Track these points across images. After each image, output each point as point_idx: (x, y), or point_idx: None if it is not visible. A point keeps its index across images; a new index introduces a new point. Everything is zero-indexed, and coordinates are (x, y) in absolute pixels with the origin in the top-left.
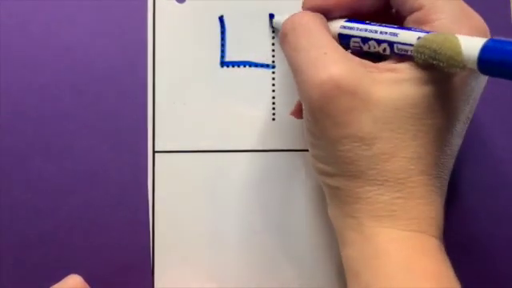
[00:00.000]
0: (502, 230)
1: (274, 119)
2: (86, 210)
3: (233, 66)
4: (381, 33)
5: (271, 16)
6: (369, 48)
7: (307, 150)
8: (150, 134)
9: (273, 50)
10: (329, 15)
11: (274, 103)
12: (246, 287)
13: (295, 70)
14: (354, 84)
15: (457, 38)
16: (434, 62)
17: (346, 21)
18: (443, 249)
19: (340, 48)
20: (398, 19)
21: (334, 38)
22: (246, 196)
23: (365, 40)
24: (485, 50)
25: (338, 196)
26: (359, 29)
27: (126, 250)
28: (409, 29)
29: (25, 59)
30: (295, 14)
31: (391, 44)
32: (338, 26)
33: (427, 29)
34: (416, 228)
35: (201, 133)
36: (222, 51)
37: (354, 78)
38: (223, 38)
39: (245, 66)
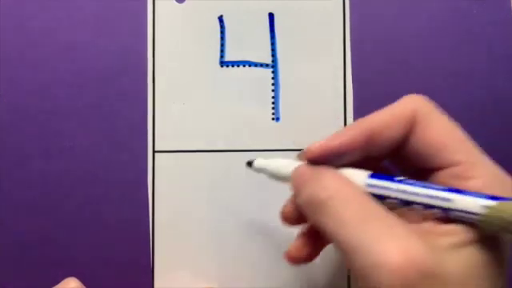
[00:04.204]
0: None
1: (273, 119)
2: (86, 210)
3: (232, 66)
4: (429, 196)
5: (249, 163)
6: (412, 209)
7: None
8: (149, 134)
9: (272, 50)
10: (338, 161)
11: (273, 103)
12: (246, 287)
13: (347, 249)
14: (432, 264)
15: None
16: (508, 231)
17: (371, 176)
18: None
19: (395, 218)
20: (405, 162)
21: None
22: (245, 196)
23: (406, 202)
24: None
25: None
26: (395, 189)
27: (125, 250)
28: (460, 191)
29: (25, 59)
30: (323, 178)
31: (445, 210)
32: (363, 183)
33: (464, 186)
34: None
35: (200, 133)
36: (222, 51)
37: (430, 256)
38: (223, 38)
39: (244, 66)
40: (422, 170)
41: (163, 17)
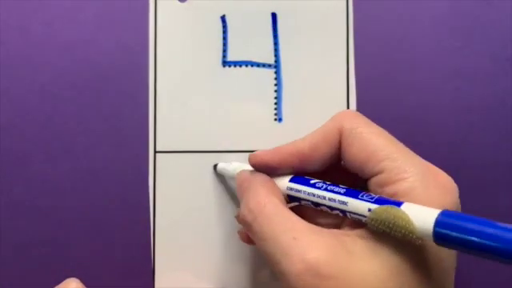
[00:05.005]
0: None
1: (276, 119)
2: (87, 210)
3: (234, 66)
4: (330, 199)
5: (215, 166)
6: (322, 210)
7: None
8: (151, 134)
9: (275, 50)
10: (272, 172)
11: (276, 103)
12: (246, 287)
13: (269, 260)
14: (333, 266)
15: (406, 214)
16: (391, 234)
17: (291, 180)
18: None
19: (307, 225)
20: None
21: (283, 196)
22: None
23: (316, 204)
24: (438, 225)
25: None
26: (306, 192)
27: (126, 250)
28: (357, 194)
29: (25, 59)
30: (251, 199)
31: (343, 212)
32: (285, 186)
33: (392, 190)
34: None
35: (202, 133)
36: (224, 51)
37: (332, 259)
38: (225, 38)
39: (247, 66)
40: (360, 178)
41: (165, 16)
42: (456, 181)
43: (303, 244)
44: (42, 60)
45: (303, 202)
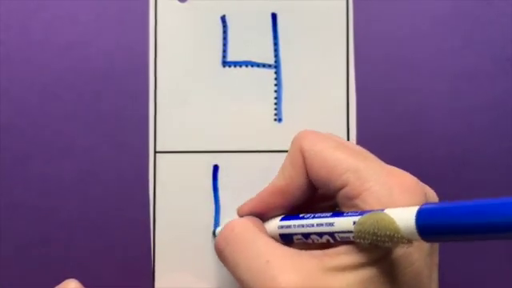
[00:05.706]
0: None
1: (275, 119)
2: (87, 210)
3: (235, 66)
4: (317, 225)
5: (215, 228)
6: (313, 241)
7: None
8: (151, 134)
9: (275, 50)
10: (264, 217)
11: (275, 103)
12: None
13: (242, 285)
14: (306, 286)
15: (388, 215)
16: (379, 244)
17: (282, 219)
18: None
19: (281, 248)
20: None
21: (275, 238)
22: (247, 197)
23: (306, 235)
24: (419, 219)
25: None
26: (296, 226)
27: (126, 251)
28: (341, 213)
29: (25, 59)
30: (226, 226)
31: (332, 234)
32: (276, 226)
33: (359, 201)
34: None
35: (202, 133)
36: (224, 51)
37: (305, 279)
38: (225, 38)
39: (247, 66)
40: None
41: (165, 16)
42: (456, 181)
43: (275, 266)
44: (42, 60)
45: (295, 239)
